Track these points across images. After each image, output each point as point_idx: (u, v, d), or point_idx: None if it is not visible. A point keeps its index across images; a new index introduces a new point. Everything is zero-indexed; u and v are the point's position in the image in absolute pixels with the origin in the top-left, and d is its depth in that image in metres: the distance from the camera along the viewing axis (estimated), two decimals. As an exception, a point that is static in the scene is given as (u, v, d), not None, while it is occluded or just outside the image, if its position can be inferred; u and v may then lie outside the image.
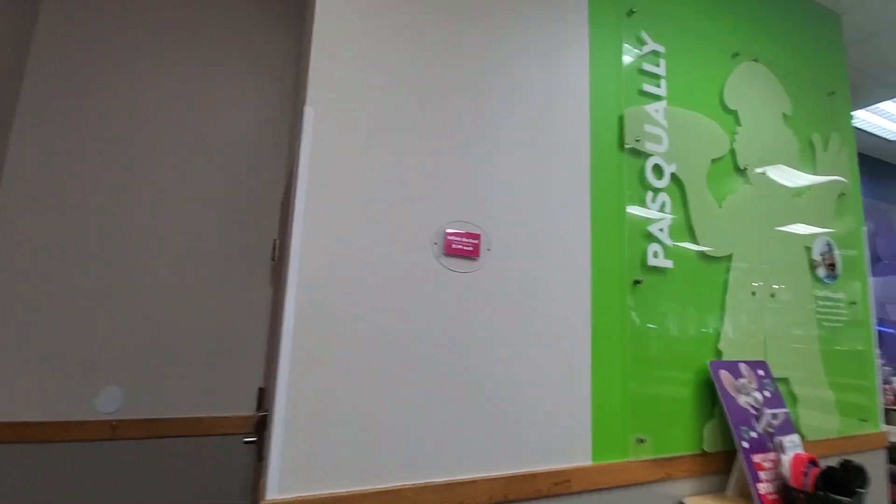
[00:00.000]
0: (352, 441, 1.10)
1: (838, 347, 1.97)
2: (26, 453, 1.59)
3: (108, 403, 1.68)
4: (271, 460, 1.02)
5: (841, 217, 2.12)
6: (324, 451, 1.07)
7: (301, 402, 1.06)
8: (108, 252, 1.76)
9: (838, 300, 2.01)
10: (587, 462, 1.37)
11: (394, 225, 1.22)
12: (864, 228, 2.18)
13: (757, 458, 1.48)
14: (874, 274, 3.96)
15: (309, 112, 1.16)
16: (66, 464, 1.62)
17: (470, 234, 1.30)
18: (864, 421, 1.97)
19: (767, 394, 1.65)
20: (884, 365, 3.73)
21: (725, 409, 1.52)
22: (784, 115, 2.01)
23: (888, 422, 3.45)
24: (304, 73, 1.34)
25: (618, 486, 1.39)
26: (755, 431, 1.53)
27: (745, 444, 1.48)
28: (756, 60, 1.98)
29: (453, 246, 1.27)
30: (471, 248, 1.29)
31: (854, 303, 2.05)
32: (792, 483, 1.40)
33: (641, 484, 1.44)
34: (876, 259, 4.01)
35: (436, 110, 1.32)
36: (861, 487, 1.37)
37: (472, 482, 1.21)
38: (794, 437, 1.54)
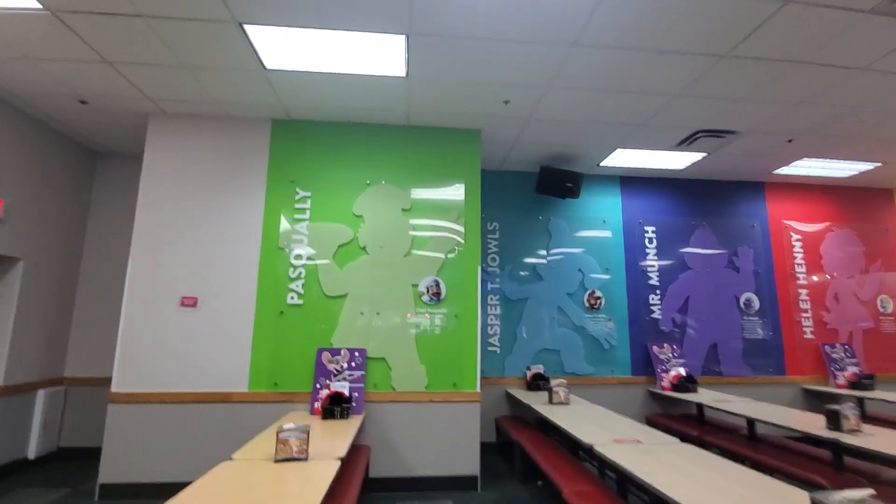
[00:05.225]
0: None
1: (436, 342, 3.40)
2: None
3: None
4: None
5: (456, 262, 3.51)
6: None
7: None
8: None
9: (441, 313, 3.43)
10: (245, 390, 3.25)
11: (164, 294, 3.30)
12: (479, 268, 3.52)
13: (323, 392, 3.15)
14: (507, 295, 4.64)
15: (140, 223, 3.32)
16: None
17: (192, 297, 3.31)
18: (455, 385, 3.36)
19: (354, 364, 3.27)
20: (678, 357, 4.46)
21: (315, 371, 3.22)
22: (403, 209, 3.54)
23: (674, 403, 4.36)
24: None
25: (262, 402, 3.23)
26: (330, 380, 3.19)
27: (318, 386, 3.17)
28: (383, 182, 3.55)
29: (185, 302, 3.30)
30: (192, 303, 3.30)
31: (457, 315, 3.44)
32: (323, 403, 3.06)
33: (272, 402, 3.24)
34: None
35: (180, 238, 3.37)
36: (346, 404, 2.96)
37: (182, 393, 3.20)
38: (345, 384, 3.16)
